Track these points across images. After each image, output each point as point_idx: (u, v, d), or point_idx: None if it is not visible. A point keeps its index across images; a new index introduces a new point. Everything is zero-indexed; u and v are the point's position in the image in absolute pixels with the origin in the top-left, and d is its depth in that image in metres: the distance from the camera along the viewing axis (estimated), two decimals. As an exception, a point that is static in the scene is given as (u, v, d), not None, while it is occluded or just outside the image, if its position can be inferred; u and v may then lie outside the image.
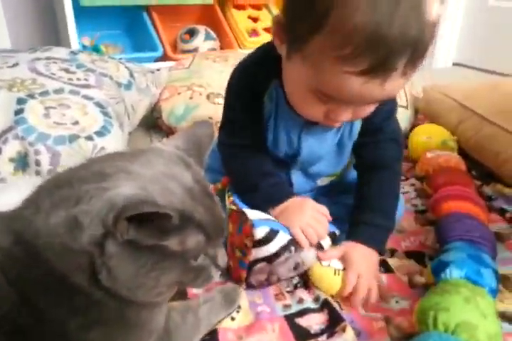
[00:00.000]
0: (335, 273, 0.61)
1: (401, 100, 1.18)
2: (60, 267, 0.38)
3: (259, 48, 0.67)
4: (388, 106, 0.65)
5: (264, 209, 0.63)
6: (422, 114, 1.17)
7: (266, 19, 1.77)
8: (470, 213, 0.71)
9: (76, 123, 0.77)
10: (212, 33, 1.65)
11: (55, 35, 1.60)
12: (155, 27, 1.61)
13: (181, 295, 0.62)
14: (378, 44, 0.46)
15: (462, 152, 1.02)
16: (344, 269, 0.62)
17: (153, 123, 1.21)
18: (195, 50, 1.60)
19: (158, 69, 1.28)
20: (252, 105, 0.65)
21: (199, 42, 1.60)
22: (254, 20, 1.76)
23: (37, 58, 0.92)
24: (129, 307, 0.41)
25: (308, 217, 0.61)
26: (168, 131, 1.18)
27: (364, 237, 0.64)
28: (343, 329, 0.56)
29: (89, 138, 0.76)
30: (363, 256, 0.63)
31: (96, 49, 1.51)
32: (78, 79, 0.89)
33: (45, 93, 0.81)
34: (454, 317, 0.48)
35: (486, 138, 0.95)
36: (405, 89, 1.21)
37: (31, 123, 0.74)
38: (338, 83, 0.50)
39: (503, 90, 1.06)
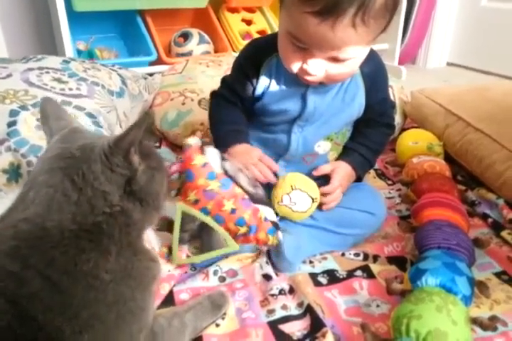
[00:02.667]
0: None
1: (389, 104, 1.20)
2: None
3: (267, 36, 0.87)
4: (374, 73, 0.78)
5: (220, 149, 0.73)
6: (410, 118, 1.19)
7: (259, 22, 1.78)
8: (449, 221, 0.73)
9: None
10: (206, 36, 1.67)
11: (51, 40, 1.61)
12: (149, 30, 1.61)
13: (168, 302, 0.65)
14: None
15: (449, 156, 1.04)
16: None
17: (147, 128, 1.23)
18: (190, 53, 1.62)
19: (151, 75, 1.30)
20: (247, 74, 0.78)
21: (193, 45, 1.62)
22: (248, 23, 1.76)
23: (30, 68, 0.93)
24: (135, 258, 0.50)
25: (254, 160, 0.74)
26: (160, 136, 1.20)
27: (355, 162, 0.81)
28: (324, 335, 0.58)
29: (81, 149, 0.78)
30: (347, 174, 0.80)
31: (91, 53, 1.53)
32: (70, 88, 0.91)
33: (37, 104, 0.83)
34: (425, 325, 0.51)
35: (470, 143, 0.97)
36: (394, 94, 1.23)
37: (24, 135, 0.76)
38: (300, 22, 0.61)
39: (489, 95, 1.08)
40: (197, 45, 1.63)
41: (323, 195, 0.75)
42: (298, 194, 0.72)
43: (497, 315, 0.61)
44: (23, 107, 0.81)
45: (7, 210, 0.49)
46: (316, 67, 0.66)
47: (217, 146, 0.74)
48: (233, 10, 1.75)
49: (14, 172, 0.74)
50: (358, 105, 0.79)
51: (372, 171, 1.05)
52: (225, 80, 0.86)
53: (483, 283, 0.67)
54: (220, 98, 0.84)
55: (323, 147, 0.81)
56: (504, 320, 0.62)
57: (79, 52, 1.53)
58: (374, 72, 0.78)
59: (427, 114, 1.12)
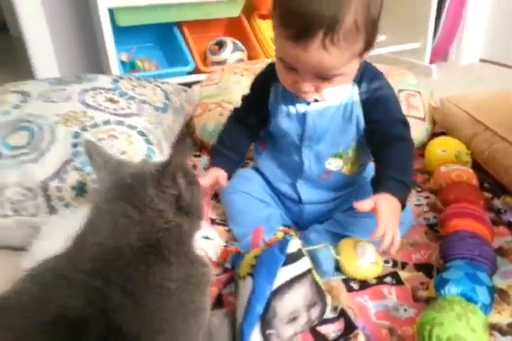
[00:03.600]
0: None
1: (419, 112, 1.25)
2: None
3: (271, 63, 0.88)
4: (380, 97, 0.81)
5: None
6: (439, 125, 1.23)
7: (290, 27, 1.83)
8: (474, 231, 0.78)
9: (123, 153, 0.88)
10: (239, 44, 1.74)
11: (95, 53, 1.73)
12: (185, 40, 1.70)
13: (218, 304, 0.74)
14: (300, 17, 0.65)
15: (477, 164, 1.09)
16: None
17: (189, 137, 1.32)
18: (224, 61, 1.69)
19: (189, 86, 1.39)
20: (258, 96, 0.88)
21: (227, 54, 1.69)
22: (279, 28, 1.82)
23: (85, 90, 1.03)
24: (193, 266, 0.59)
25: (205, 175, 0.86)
26: (201, 145, 1.29)
27: (391, 189, 0.73)
28: (356, 337, 0.66)
29: (136, 166, 0.87)
30: (390, 206, 0.71)
31: (133, 64, 1.63)
32: (122, 108, 1.01)
33: (95, 125, 0.93)
34: (446, 332, 0.58)
35: (497, 152, 1.02)
36: (423, 101, 1.28)
37: (87, 156, 0.86)
38: (283, 47, 0.70)
39: (514, 102, 1.12)
40: (231, 53, 1.70)
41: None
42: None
43: (515, 321, 0.67)
44: (84, 129, 0.91)
45: (77, 236, 0.58)
46: (306, 86, 0.73)
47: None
48: (264, 17, 1.81)
49: (80, 189, 0.85)
50: (355, 122, 0.82)
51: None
52: (245, 98, 0.96)
53: (504, 291, 0.73)
54: (236, 116, 0.95)
55: (334, 164, 0.86)
56: (523, 325, 0.68)
57: (122, 64, 1.63)
58: (374, 90, 0.81)
59: (455, 122, 1.16)
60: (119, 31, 1.56)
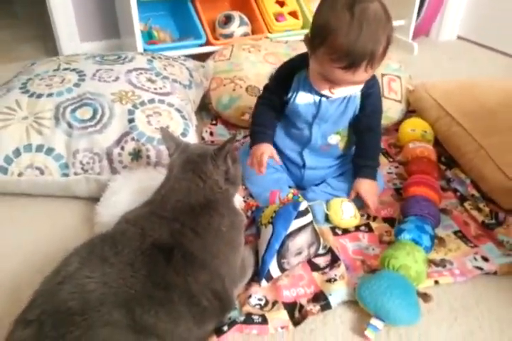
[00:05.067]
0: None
1: (397, 95, 1.51)
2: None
3: (300, 54, 1.10)
4: (372, 102, 1.09)
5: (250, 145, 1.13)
6: (412, 107, 1.50)
7: (291, 4, 2.02)
8: (427, 196, 1.09)
9: (167, 127, 1.13)
10: (245, 18, 1.92)
11: (113, 22, 1.89)
12: (197, 12, 1.88)
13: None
14: (350, 53, 0.88)
15: (437, 141, 1.38)
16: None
17: (204, 107, 1.55)
18: (231, 34, 1.89)
19: (200, 57, 1.59)
20: (283, 81, 1.10)
21: (234, 27, 1.88)
22: (281, 4, 2.00)
23: (129, 70, 1.25)
24: (236, 216, 0.88)
25: (257, 154, 1.07)
26: (216, 115, 1.53)
27: (368, 175, 1.12)
28: (339, 265, 0.96)
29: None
30: (370, 186, 1.11)
31: (150, 34, 1.81)
32: (160, 88, 1.24)
33: (142, 103, 1.16)
34: (398, 262, 0.89)
35: (453, 134, 1.30)
36: (402, 85, 1.54)
37: (141, 129, 1.11)
38: (331, 71, 0.93)
39: (476, 92, 1.39)
40: (238, 27, 1.89)
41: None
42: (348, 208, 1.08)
43: (445, 258, 0.99)
44: (135, 106, 1.15)
45: (159, 194, 0.86)
46: (339, 91, 1.00)
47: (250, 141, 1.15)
48: (269, -8, 1.98)
49: (136, 155, 1.10)
50: (351, 111, 1.09)
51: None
52: (267, 87, 1.17)
53: (442, 238, 1.05)
54: (262, 101, 1.15)
55: (334, 139, 1.14)
56: (451, 261, 0.99)
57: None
58: (371, 94, 1.08)
59: (425, 106, 1.43)
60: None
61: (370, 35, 0.87)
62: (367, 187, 1.11)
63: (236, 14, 1.91)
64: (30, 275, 0.93)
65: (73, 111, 1.12)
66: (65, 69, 1.24)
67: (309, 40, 0.96)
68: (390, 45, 0.93)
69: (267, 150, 1.07)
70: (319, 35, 0.91)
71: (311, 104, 1.09)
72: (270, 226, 0.94)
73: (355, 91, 1.03)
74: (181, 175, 0.85)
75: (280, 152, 1.18)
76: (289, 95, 1.10)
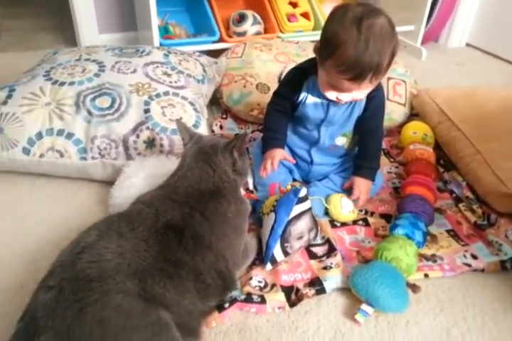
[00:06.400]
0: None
1: (401, 99, 1.57)
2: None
3: (309, 59, 1.15)
4: (375, 104, 1.14)
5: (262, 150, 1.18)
6: (415, 110, 1.56)
7: (304, 5, 2.07)
8: (422, 195, 1.15)
9: (181, 119, 1.20)
10: (258, 17, 1.98)
11: (131, 15, 1.96)
12: (212, 10, 1.94)
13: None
14: (356, 66, 0.94)
15: (437, 145, 1.43)
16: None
17: (215, 101, 1.62)
18: (245, 32, 1.95)
19: (213, 53, 1.65)
20: (294, 86, 1.14)
21: (248, 26, 1.94)
22: (294, 5, 2.06)
23: (146, 63, 1.32)
24: (242, 204, 0.95)
25: (268, 158, 1.12)
26: (226, 109, 1.59)
27: (365, 175, 1.17)
28: (335, 255, 1.03)
29: (190, 130, 1.19)
30: (364, 183, 1.16)
31: (166, 29, 1.87)
32: (175, 81, 1.30)
33: (158, 95, 1.23)
34: (390, 254, 0.95)
35: (452, 138, 1.36)
36: (407, 89, 1.59)
37: (156, 120, 1.17)
38: (338, 82, 1.00)
39: (475, 100, 1.45)
40: (251, 26, 1.95)
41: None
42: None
43: (436, 254, 1.05)
44: (151, 98, 1.21)
45: (173, 179, 0.92)
46: (346, 98, 1.06)
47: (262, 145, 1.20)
48: (282, -7, 2.04)
49: (150, 143, 1.17)
50: (357, 114, 1.15)
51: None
52: (277, 92, 1.20)
53: (435, 235, 1.11)
54: (273, 106, 1.19)
55: (340, 141, 1.21)
56: (442, 257, 1.05)
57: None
58: (374, 97, 1.12)
59: (427, 110, 1.49)
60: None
61: (376, 49, 0.93)
62: (359, 184, 1.16)
63: (250, 13, 1.97)
64: (49, 249, 1.00)
65: (93, 99, 1.18)
66: (86, 59, 1.31)
67: (318, 51, 1.02)
68: (394, 57, 0.98)
69: (278, 154, 1.13)
70: (327, 47, 0.97)
71: (319, 109, 1.14)
72: (272, 214, 1.00)
73: (361, 97, 1.09)
74: (193, 164, 0.91)
75: (289, 149, 1.25)
76: (299, 99, 1.15)
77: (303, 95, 1.14)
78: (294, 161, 1.20)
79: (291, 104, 1.16)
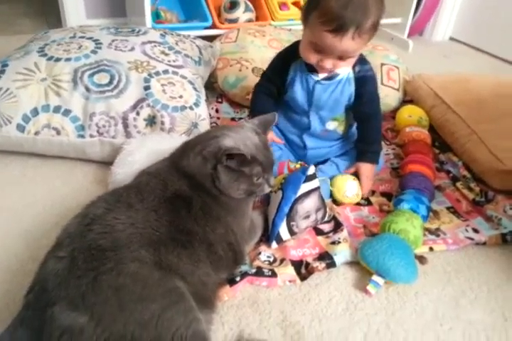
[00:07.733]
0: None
1: (395, 84, 1.59)
2: (199, 180, 0.84)
3: (296, 41, 1.12)
4: (369, 89, 1.13)
5: None
6: (409, 95, 1.58)
7: (295, -6, 2.08)
8: (423, 173, 1.16)
9: (181, 97, 1.17)
10: (250, 5, 1.98)
11: (121, 1, 1.92)
12: (204, -3, 1.92)
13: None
14: (339, 17, 0.93)
15: (432, 128, 1.45)
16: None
17: (209, 85, 1.60)
18: (236, 19, 1.94)
19: (205, 39, 1.64)
20: (280, 70, 1.13)
21: (239, 13, 1.93)
22: (286, -6, 2.07)
23: (143, 42, 1.29)
24: (232, 200, 0.88)
25: None
26: (221, 93, 1.58)
27: (369, 159, 1.17)
28: (342, 230, 1.02)
29: (191, 108, 1.17)
30: (369, 169, 1.17)
31: (157, 14, 1.85)
32: (173, 60, 1.28)
33: (157, 73, 1.20)
34: (398, 226, 0.96)
35: (447, 121, 1.38)
36: (400, 74, 1.61)
37: (156, 97, 1.15)
38: (320, 37, 0.97)
39: (469, 87, 1.48)
40: (243, 12, 1.94)
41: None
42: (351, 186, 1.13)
43: (440, 228, 1.06)
44: (150, 75, 1.19)
45: (183, 151, 0.90)
46: (328, 63, 1.02)
47: None
48: (274, -19, 2.04)
49: (150, 121, 1.14)
50: (348, 96, 1.12)
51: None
52: (265, 74, 1.20)
53: (437, 212, 1.12)
54: (260, 88, 1.18)
55: (332, 125, 1.19)
56: (445, 231, 1.07)
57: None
58: (364, 74, 1.11)
59: (421, 94, 1.51)
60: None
61: (360, 4, 0.93)
62: (365, 171, 1.16)
63: (241, 0, 1.96)
64: (48, 227, 0.97)
65: (91, 75, 1.15)
66: (81, 37, 1.27)
67: (304, 10, 1.02)
68: (379, 23, 0.98)
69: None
70: (313, 2, 0.98)
71: (305, 92, 1.13)
72: (280, 192, 0.99)
73: (344, 69, 1.07)
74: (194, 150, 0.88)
75: (282, 134, 1.24)
76: (287, 83, 1.13)
77: (291, 79, 1.12)
78: (282, 142, 1.19)
79: (277, 88, 1.15)
